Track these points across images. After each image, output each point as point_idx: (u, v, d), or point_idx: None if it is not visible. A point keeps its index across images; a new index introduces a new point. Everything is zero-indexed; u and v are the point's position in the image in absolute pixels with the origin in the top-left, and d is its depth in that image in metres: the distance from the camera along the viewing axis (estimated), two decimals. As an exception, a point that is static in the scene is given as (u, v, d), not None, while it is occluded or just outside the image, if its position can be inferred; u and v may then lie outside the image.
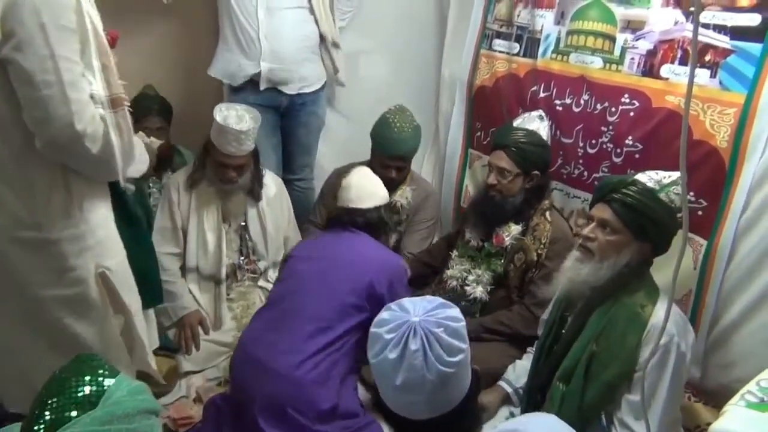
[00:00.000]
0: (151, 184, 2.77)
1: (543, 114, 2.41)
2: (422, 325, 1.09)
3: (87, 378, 1.02)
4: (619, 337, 1.68)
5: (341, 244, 2.21)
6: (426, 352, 1.07)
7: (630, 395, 1.67)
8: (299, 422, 1.86)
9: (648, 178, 1.72)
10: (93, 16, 1.49)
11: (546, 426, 1.28)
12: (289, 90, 2.81)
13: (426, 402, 1.10)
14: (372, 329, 1.15)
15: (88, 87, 1.46)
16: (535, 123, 2.36)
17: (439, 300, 1.18)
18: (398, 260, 2.27)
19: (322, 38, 2.85)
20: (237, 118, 2.40)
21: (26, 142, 1.46)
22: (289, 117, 2.89)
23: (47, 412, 0.99)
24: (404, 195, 2.76)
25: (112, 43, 1.62)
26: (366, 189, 2.29)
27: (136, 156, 1.69)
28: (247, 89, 2.81)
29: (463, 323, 1.14)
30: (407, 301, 1.17)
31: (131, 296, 1.74)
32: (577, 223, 2.43)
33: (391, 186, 2.66)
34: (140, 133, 1.89)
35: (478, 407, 1.20)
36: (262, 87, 2.77)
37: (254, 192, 2.59)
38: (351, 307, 2.02)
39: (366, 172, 2.38)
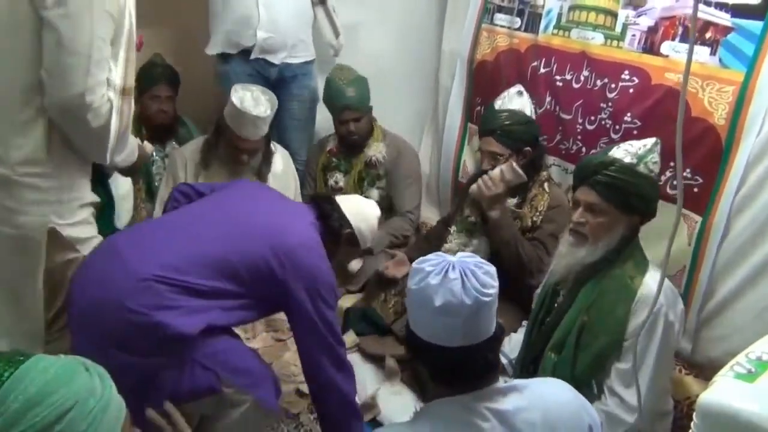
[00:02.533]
0: (154, 152, 2.78)
1: (522, 89, 2.45)
2: (460, 263, 1.22)
3: None
4: (609, 308, 1.73)
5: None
6: (464, 281, 1.19)
7: (619, 364, 1.72)
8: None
9: (624, 152, 1.74)
10: (132, 14, 1.68)
11: (550, 383, 1.37)
12: (275, 59, 2.80)
13: (462, 326, 1.19)
14: (414, 265, 1.24)
15: (107, 72, 1.59)
16: (515, 101, 2.39)
17: (472, 253, 1.32)
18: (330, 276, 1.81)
19: (323, 2, 2.87)
20: (253, 101, 2.39)
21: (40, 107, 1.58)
22: (281, 90, 2.88)
23: None
24: (378, 149, 2.83)
25: (139, 46, 1.80)
26: (359, 205, 2.02)
27: (128, 144, 1.83)
28: (237, 58, 2.80)
29: (494, 270, 1.25)
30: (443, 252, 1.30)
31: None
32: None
33: (358, 143, 2.81)
34: (135, 138, 1.99)
35: (499, 351, 1.32)
36: (254, 56, 2.76)
37: (262, 172, 2.62)
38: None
39: (372, 204, 2.10)
